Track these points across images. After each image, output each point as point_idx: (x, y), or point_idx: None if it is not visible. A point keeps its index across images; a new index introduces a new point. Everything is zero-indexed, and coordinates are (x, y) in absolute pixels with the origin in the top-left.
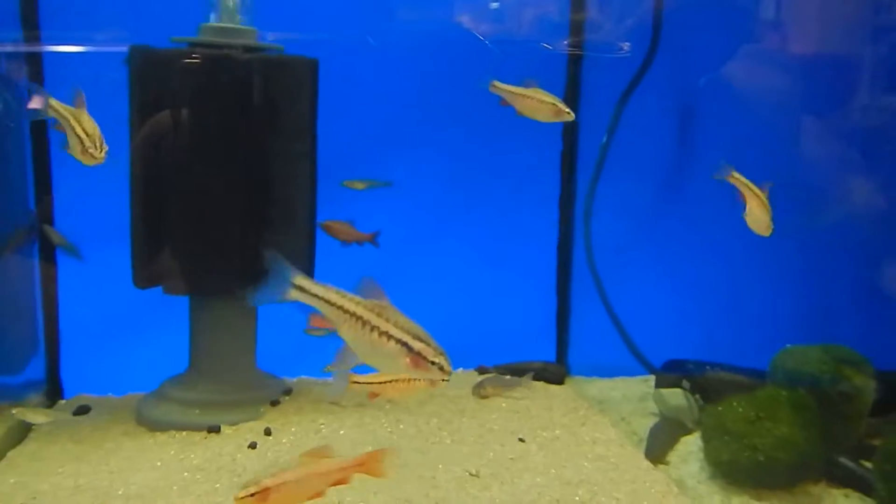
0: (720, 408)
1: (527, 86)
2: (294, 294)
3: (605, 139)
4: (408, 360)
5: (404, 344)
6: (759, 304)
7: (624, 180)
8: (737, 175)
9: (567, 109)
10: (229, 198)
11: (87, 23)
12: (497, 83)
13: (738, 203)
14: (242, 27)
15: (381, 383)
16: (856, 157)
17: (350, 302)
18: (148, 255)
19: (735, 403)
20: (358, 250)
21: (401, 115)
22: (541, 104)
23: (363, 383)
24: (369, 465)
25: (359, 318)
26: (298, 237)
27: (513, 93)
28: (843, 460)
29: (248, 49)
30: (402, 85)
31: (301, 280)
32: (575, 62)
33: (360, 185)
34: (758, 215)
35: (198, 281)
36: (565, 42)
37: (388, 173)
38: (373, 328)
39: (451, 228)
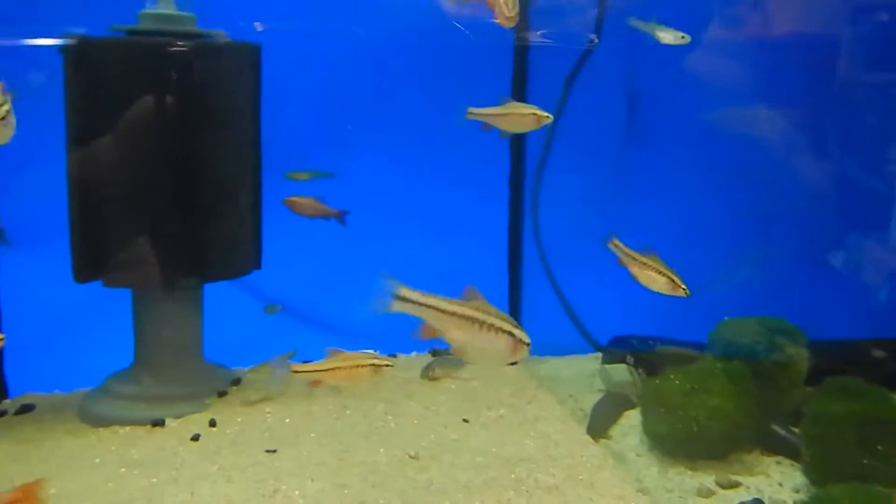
0: (658, 381)
1: (502, 103)
2: (398, 306)
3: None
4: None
5: (509, 333)
6: (704, 281)
7: (572, 162)
8: (617, 243)
9: (546, 114)
10: (167, 188)
11: (23, 13)
12: (473, 109)
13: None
14: (181, 14)
15: (322, 371)
16: (796, 136)
17: (456, 306)
18: (87, 248)
19: (672, 376)
20: (310, 238)
21: (352, 98)
22: (522, 117)
23: (304, 372)
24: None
25: (469, 318)
26: (241, 226)
27: (491, 115)
28: (776, 428)
29: (188, 36)
30: (354, 69)
31: (405, 291)
32: (522, 49)
33: (303, 176)
34: (645, 281)
35: (137, 273)
36: (538, 33)
37: (340, 159)
38: (482, 325)
39: (402, 212)
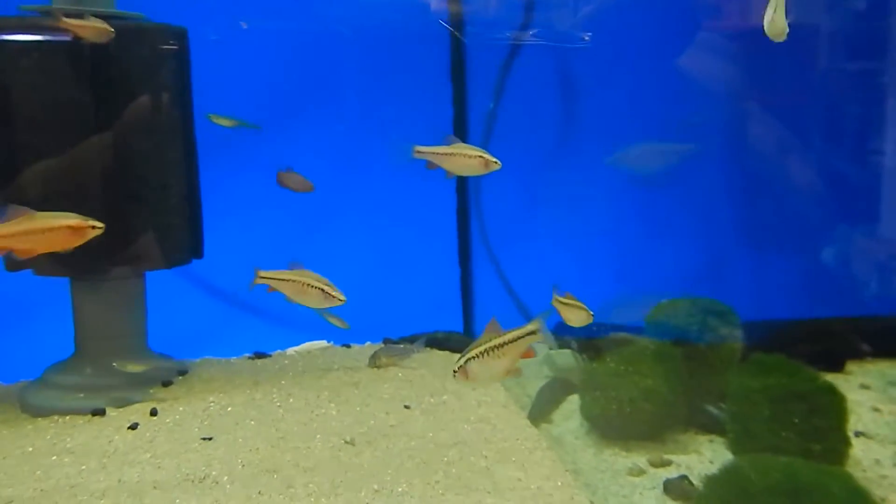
0: (594, 364)
1: (449, 143)
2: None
3: (491, 106)
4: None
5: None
6: (648, 265)
7: (512, 148)
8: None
9: (494, 159)
10: (89, 176)
11: None
12: (419, 148)
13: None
14: None
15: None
16: (737, 115)
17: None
18: None
19: (608, 359)
20: (261, 230)
21: (295, 87)
22: (468, 159)
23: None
24: None
25: None
26: (173, 214)
27: (438, 154)
28: (708, 407)
29: (103, 17)
30: (298, 57)
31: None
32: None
33: (227, 122)
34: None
35: (64, 261)
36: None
37: (285, 148)
38: None
39: (351, 203)
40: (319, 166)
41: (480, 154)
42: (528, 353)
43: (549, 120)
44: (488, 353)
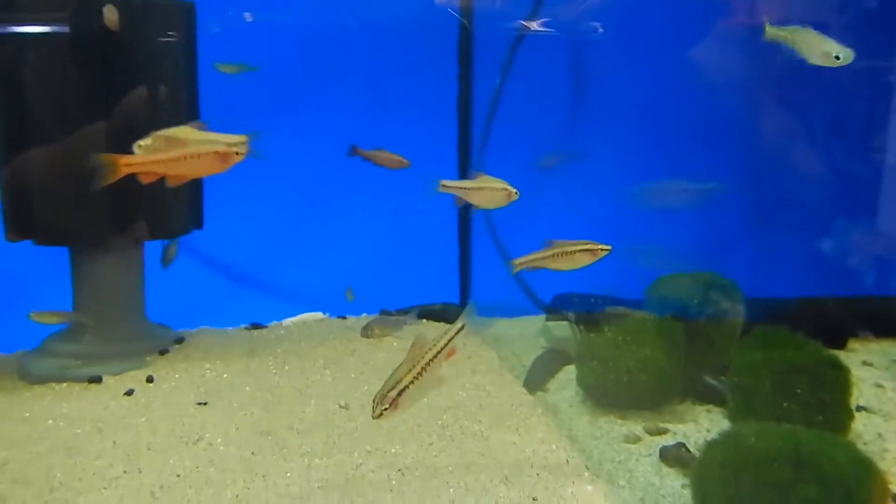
0: (592, 335)
1: (473, 177)
2: None
3: (497, 82)
4: None
5: None
6: (650, 239)
7: (517, 123)
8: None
9: (515, 191)
10: (94, 146)
11: None
12: (445, 182)
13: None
14: None
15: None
16: (743, 98)
17: None
18: (17, 206)
19: (606, 330)
20: (261, 204)
21: (300, 63)
22: (494, 192)
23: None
24: None
25: None
26: (175, 187)
27: (465, 188)
28: (707, 379)
29: None
30: (304, 34)
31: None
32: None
33: (231, 69)
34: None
35: (67, 232)
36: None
37: (290, 125)
38: None
39: (352, 175)
40: (321, 140)
41: (504, 186)
42: (451, 352)
43: (554, 96)
44: (421, 373)
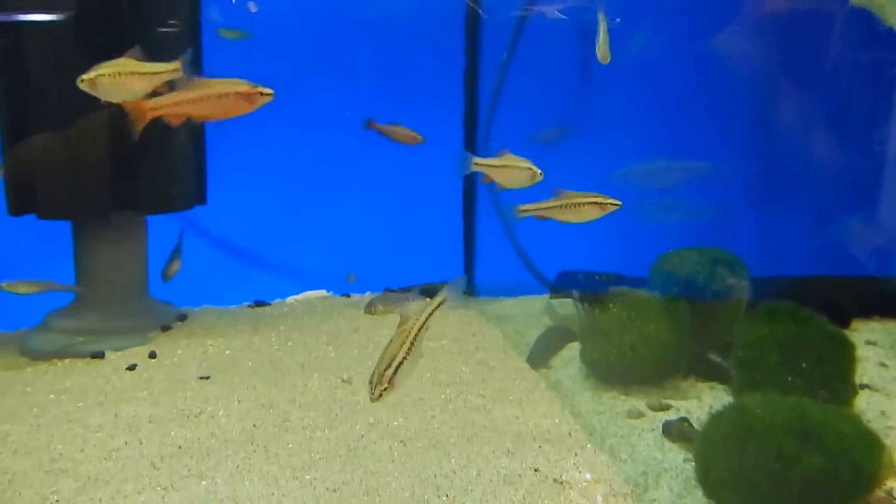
0: (597, 311)
1: (500, 155)
2: None
3: (505, 56)
4: None
5: None
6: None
7: (524, 99)
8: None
9: (539, 171)
10: (97, 119)
11: None
12: (478, 160)
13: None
14: None
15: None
16: (750, 72)
17: None
18: (19, 180)
19: (611, 306)
20: (266, 181)
21: (305, 39)
22: (519, 171)
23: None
24: None
25: None
26: (177, 160)
27: (493, 166)
28: (712, 356)
29: None
30: (310, 11)
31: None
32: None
33: (234, 35)
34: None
35: (69, 205)
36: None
37: (297, 99)
38: None
39: (357, 152)
40: (326, 117)
41: (529, 166)
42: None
43: (561, 72)
44: (411, 349)
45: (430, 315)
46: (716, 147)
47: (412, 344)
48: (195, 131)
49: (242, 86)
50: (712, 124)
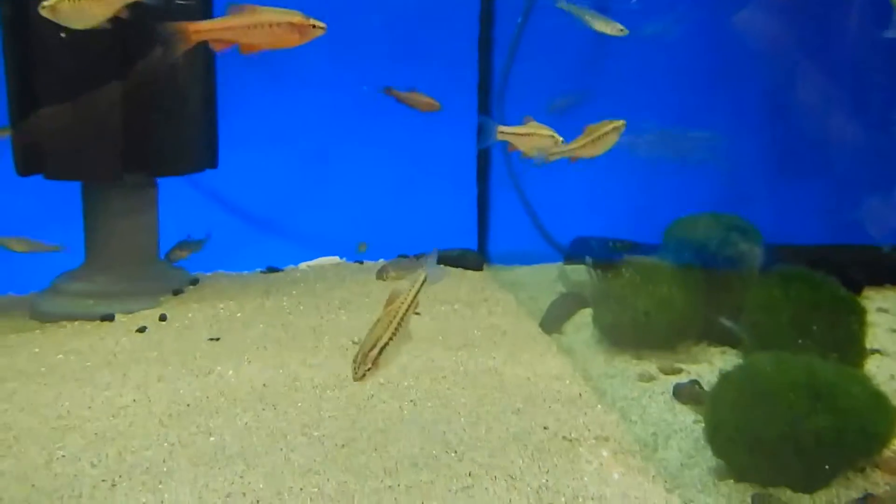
0: (610, 276)
1: (523, 123)
2: None
3: (520, 20)
4: None
5: None
6: (671, 185)
7: (538, 64)
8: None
9: (561, 138)
10: (108, 79)
11: None
12: (503, 128)
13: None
14: None
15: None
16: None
17: None
18: (27, 140)
19: (623, 271)
20: (281, 148)
21: (320, 4)
22: (541, 139)
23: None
24: None
25: None
26: (188, 123)
27: (517, 134)
28: (724, 321)
29: None
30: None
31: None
32: None
33: None
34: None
35: (78, 165)
36: None
37: (311, 65)
38: None
39: (371, 119)
40: (340, 83)
41: (551, 133)
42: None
43: (577, 37)
44: (397, 330)
45: (415, 295)
46: (733, 119)
47: (399, 325)
48: (206, 94)
49: (296, 16)
50: (730, 96)
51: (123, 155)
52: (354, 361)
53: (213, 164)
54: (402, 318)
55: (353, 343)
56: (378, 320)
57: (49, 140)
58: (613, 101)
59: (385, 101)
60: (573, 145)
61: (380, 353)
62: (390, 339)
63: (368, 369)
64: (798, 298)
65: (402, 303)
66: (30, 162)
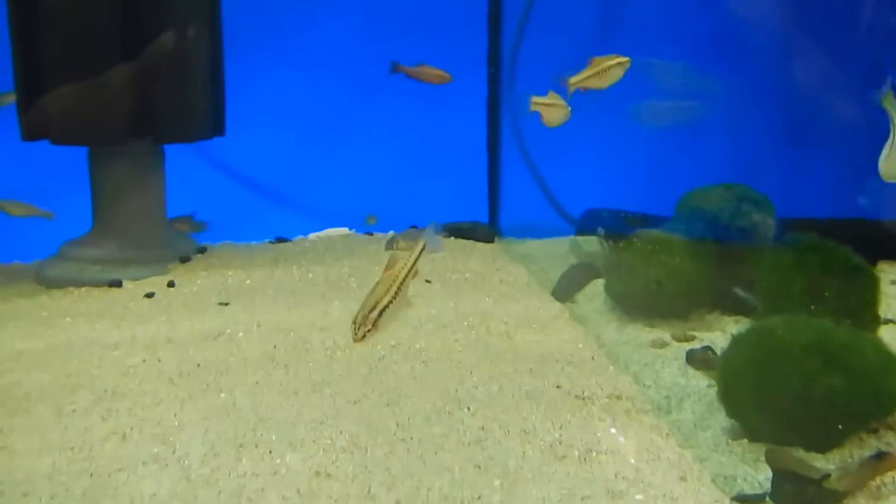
0: (622, 245)
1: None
2: None
3: None
4: None
5: None
6: (684, 157)
7: (551, 33)
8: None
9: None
10: (113, 44)
11: None
12: (536, 99)
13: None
14: None
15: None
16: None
17: None
18: (32, 105)
19: (635, 240)
20: (292, 120)
21: None
22: (562, 109)
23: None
24: None
25: None
26: (195, 89)
27: (546, 104)
28: (737, 290)
29: None
30: None
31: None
32: None
33: None
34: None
35: (81, 130)
36: None
37: (319, 35)
38: None
39: (382, 92)
40: (350, 53)
41: (565, 104)
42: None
43: (587, 7)
44: (397, 293)
45: (415, 261)
46: (746, 88)
47: (399, 289)
48: (213, 61)
49: None
50: (737, 62)
51: (128, 120)
52: (354, 322)
53: (220, 131)
54: (402, 283)
55: None
56: (378, 283)
57: (54, 105)
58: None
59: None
60: (580, 76)
61: (380, 314)
62: (390, 301)
63: (368, 330)
64: (811, 265)
65: (403, 268)
66: (35, 126)
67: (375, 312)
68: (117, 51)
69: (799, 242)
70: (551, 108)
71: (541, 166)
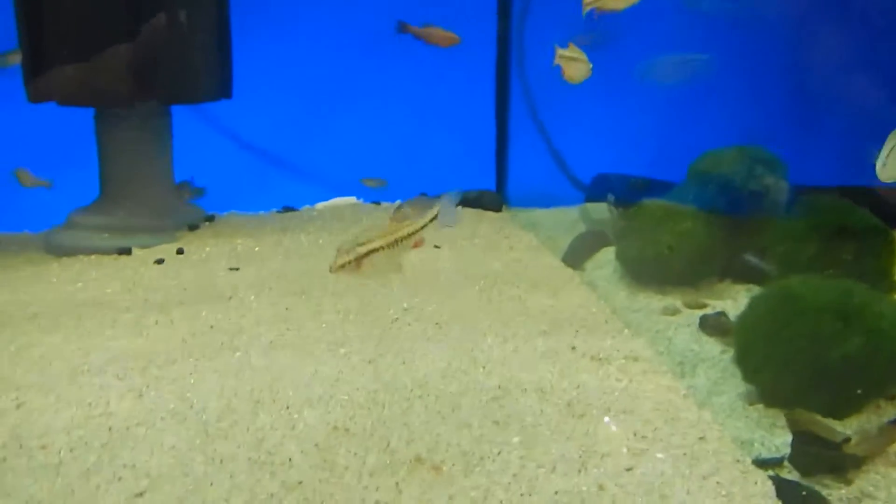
0: (632, 211)
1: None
2: None
3: None
4: None
5: None
6: (696, 122)
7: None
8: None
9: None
10: (120, 4)
11: None
12: (561, 52)
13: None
14: None
15: None
16: None
17: None
18: (39, 66)
19: (646, 206)
20: (299, 86)
21: None
22: (584, 64)
23: None
24: None
25: None
26: (201, 50)
27: (567, 58)
28: (748, 257)
29: None
30: None
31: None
32: None
33: None
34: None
35: (88, 91)
36: None
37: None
38: None
39: (392, 62)
40: (362, 24)
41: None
42: (418, 242)
43: None
44: (393, 244)
45: (423, 226)
46: (759, 61)
47: (395, 241)
48: (219, 23)
49: None
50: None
51: (134, 81)
52: (339, 249)
53: (227, 93)
54: (400, 238)
55: None
56: (375, 227)
57: (60, 66)
58: (637, 40)
59: (404, 36)
60: None
61: (367, 254)
62: (382, 248)
63: (349, 262)
64: (826, 226)
65: (409, 225)
66: (43, 89)
67: (364, 249)
68: (123, 11)
69: (814, 204)
70: (573, 64)
71: (551, 130)
